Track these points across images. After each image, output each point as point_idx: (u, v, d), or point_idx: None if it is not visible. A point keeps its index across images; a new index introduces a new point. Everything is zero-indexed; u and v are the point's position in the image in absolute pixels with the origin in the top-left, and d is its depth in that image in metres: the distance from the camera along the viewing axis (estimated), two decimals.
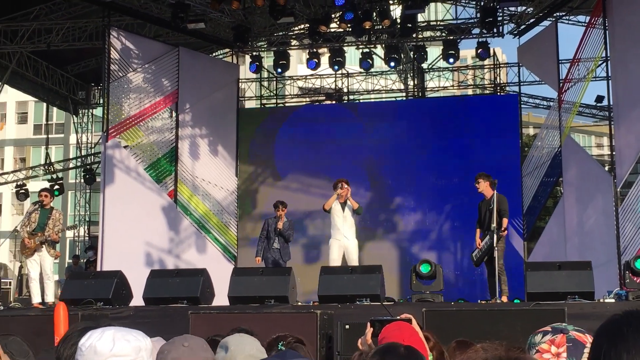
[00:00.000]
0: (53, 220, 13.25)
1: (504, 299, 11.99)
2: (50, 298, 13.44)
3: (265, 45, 21.59)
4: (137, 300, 11.49)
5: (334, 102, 23.47)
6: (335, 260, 13.47)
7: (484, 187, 12.64)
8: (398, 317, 3.68)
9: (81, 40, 20.43)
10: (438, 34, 20.93)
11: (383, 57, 20.85)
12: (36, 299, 13.19)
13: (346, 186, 13.62)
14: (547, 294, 9.96)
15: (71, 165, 27.35)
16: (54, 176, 23.84)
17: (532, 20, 19.70)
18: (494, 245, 12.07)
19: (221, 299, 12.02)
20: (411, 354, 2.75)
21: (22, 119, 46.78)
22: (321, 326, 8.74)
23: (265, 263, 14.23)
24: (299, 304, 11.39)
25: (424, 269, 11.09)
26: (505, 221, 12.47)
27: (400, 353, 2.72)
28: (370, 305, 10.24)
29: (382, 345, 2.90)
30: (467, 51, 31.06)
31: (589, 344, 2.66)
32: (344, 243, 13.54)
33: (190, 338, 3.25)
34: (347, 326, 8.80)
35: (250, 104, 24.15)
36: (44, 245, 13.20)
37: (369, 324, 3.72)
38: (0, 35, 20.42)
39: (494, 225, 12.10)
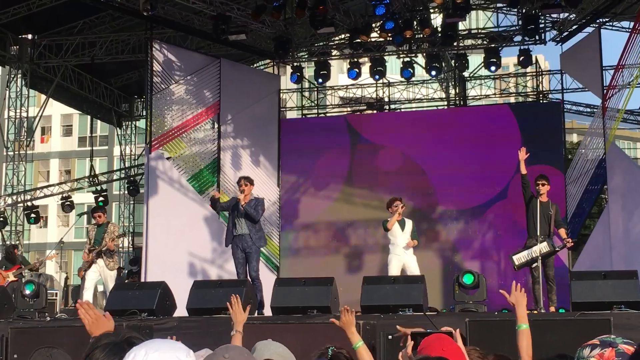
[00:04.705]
0: (109, 234, 13.62)
1: (552, 309, 11.86)
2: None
3: (306, 56, 21.65)
4: (181, 311, 11.56)
5: (375, 111, 23.45)
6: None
7: (546, 190, 12.27)
8: (439, 330, 3.67)
9: (124, 53, 20.70)
10: (479, 42, 20.83)
11: (424, 66, 20.80)
12: None
13: (402, 205, 13.59)
14: (592, 304, 9.81)
15: (115, 177, 27.61)
16: (99, 188, 24.11)
17: (574, 27, 19.49)
18: (552, 252, 12.05)
19: (264, 309, 12.11)
20: None
21: (67, 131, 47.44)
22: (364, 337, 8.64)
23: (234, 256, 12.92)
24: None
25: (467, 279, 10.95)
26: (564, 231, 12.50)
27: None
28: (413, 316, 10.19)
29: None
30: (509, 59, 30.89)
31: None
32: (403, 258, 13.48)
33: (232, 348, 3.23)
34: (389, 336, 8.77)
35: (291, 115, 24.21)
36: (101, 257, 13.61)
37: (409, 338, 3.72)
38: (45, 49, 20.79)
39: (551, 231, 12.08)
